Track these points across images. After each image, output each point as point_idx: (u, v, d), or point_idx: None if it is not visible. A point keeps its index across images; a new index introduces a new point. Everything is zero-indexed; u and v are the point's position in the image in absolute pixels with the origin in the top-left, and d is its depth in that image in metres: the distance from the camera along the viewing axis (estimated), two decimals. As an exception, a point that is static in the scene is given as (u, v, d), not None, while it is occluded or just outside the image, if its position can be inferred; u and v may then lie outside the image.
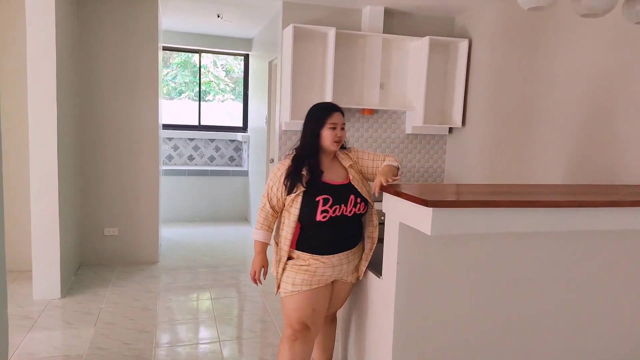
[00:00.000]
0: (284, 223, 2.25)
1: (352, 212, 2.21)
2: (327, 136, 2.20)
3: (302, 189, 2.17)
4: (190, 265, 4.71)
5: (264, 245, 2.34)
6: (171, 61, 8.48)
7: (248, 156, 6.89)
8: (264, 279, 2.35)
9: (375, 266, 2.30)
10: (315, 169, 2.20)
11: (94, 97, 4.42)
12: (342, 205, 2.19)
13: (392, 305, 2.07)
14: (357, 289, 2.45)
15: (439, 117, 4.83)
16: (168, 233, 5.90)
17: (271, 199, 2.26)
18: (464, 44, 4.56)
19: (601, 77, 3.14)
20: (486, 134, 4.34)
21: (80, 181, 4.44)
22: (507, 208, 1.86)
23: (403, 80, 4.75)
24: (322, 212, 2.16)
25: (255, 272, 2.31)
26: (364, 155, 2.35)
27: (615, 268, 2.32)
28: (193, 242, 5.62)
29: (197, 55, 7.21)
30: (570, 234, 2.20)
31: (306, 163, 2.20)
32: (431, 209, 1.76)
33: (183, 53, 7.38)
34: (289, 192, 2.19)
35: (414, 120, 4.68)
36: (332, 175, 2.25)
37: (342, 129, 2.24)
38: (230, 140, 7.27)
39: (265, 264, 2.33)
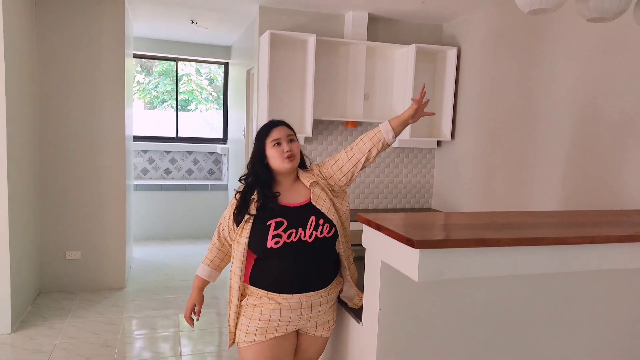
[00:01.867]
0: (234, 256, 1.93)
1: (313, 236, 1.86)
2: (273, 155, 1.91)
3: (252, 214, 1.86)
4: (160, 291, 4.36)
5: (202, 282, 2.06)
6: (153, 69, 8.17)
7: (228, 169, 6.56)
8: (197, 320, 2.08)
9: (355, 309, 1.99)
10: (267, 194, 1.89)
11: (54, 107, 4.07)
12: (300, 229, 1.85)
13: (373, 356, 1.76)
14: (336, 334, 2.14)
15: (427, 129, 4.55)
16: (140, 253, 5.53)
17: (223, 229, 1.98)
18: (452, 53, 4.29)
19: (604, 87, 2.88)
20: (477, 147, 4.07)
21: (39, 200, 4.07)
22: (509, 247, 1.57)
23: (388, 91, 4.47)
24: (274, 237, 1.83)
25: (186, 310, 2.07)
26: (325, 163, 2.03)
27: (631, 310, 2.03)
28: (166, 263, 5.26)
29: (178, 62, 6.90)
30: (580, 273, 1.91)
31: (256, 190, 1.90)
32: (418, 250, 1.46)
33: (165, 61, 7.06)
34: (238, 224, 1.89)
35: (401, 133, 4.39)
36: (291, 197, 1.94)
37: (291, 141, 1.93)
38: (209, 152, 6.94)
39: (197, 302, 2.06)
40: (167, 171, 6.78)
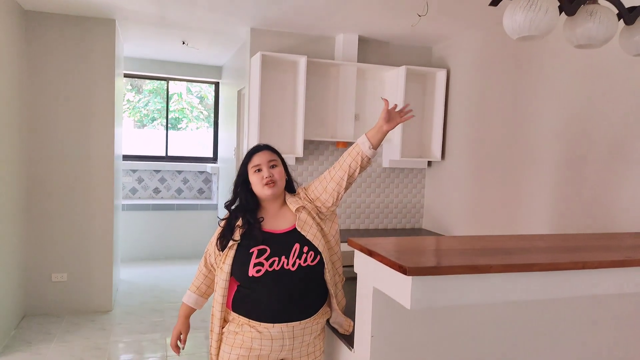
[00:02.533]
0: (216, 284, 1.90)
1: (297, 264, 1.81)
2: (254, 182, 1.89)
3: (236, 240, 1.84)
4: (147, 314, 4.28)
5: (188, 310, 2.04)
6: (143, 87, 8.16)
7: (218, 188, 6.53)
8: (182, 348, 2.05)
9: (347, 335, 1.96)
10: (250, 221, 1.86)
11: (42, 126, 4.04)
12: (283, 257, 1.81)
13: (366, 384, 1.73)
14: (326, 360, 2.10)
15: (417, 150, 4.58)
16: (128, 275, 5.44)
17: (209, 255, 1.96)
18: (441, 74, 4.34)
19: (594, 109, 2.91)
20: (467, 167, 4.09)
21: (24, 220, 4.00)
22: (500, 273, 1.56)
23: (379, 111, 4.48)
24: (255, 265, 1.79)
25: (172, 338, 2.03)
26: (311, 185, 1.98)
27: (624, 335, 2.03)
28: (155, 284, 5.18)
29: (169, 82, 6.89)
30: (575, 297, 1.91)
31: (240, 216, 1.89)
32: (410, 277, 1.45)
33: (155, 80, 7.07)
34: (222, 249, 1.87)
35: (391, 154, 4.41)
36: (276, 223, 1.90)
37: (273, 166, 1.90)
38: (199, 171, 6.90)
39: (183, 330, 2.03)
40: (157, 190, 6.72)
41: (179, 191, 6.83)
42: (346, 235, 4.13)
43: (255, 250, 1.81)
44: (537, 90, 3.32)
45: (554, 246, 1.98)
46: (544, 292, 1.64)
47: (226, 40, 4.82)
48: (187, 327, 2.05)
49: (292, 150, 4.14)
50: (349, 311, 1.99)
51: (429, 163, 4.65)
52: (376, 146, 1.89)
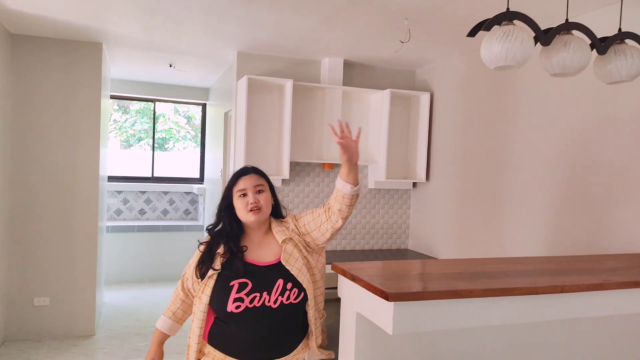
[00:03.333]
0: (194, 314, 1.82)
1: (279, 301, 1.74)
2: (238, 207, 1.83)
3: (216, 270, 1.77)
4: (131, 338, 4.21)
5: (162, 336, 1.93)
6: (130, 108, 8.16)
7: (204, 209, 6.50)
8: None
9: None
10: (232, 249, 1.79)
11: (26, 148, 4.01)
12: (265, 292, 1.73)
13: (350, 410, 1.73)
14: (310, 385, 2.09)
15: (403, 171, 4.63)
16: (111, 298, 5.36)
17: (187, 279, 1.88)
18: (425, 97, 4.41)
19: (574, 135, 2.98)
20: (452, 188, 4.14)
21: (7, 243, 3.94)
22: (481, 298, 1.58)
23: (364, 133, 4.54)
24: (235, 300, 1.72)
25: None
26: (302, 217, 1.91)
27: (605, 356, 2.05)
28: (139, 307, 5.11)
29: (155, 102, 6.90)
30: (555, 321, 1.93)
31: (222, 242, 1.82)
32: (392, 303, 1.46)
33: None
34: (202, 277, 1.80)
35: (377, 175, 4.45)
36: (260, 253, 1.83)
37: (260, 192, 1.84)
38: (185, 192, 6.87)
39: (157, 358, 1.92)
40: (142, 212, 6.67)
41: (165, 212, 6.79)
42: (332, 257, 4.13)
43: (235, 283, 1.74)
44: (520, 113, 3.40)
45: (534, 269, 2.01)
46: (524, 316, 1.67)
47: (213, 63, 4.86)
48: (161, 355, 1.95)
49: (279, 171, 4.16)
50: (334, 334, 1.99)
51: (414, 184, 4.69)
52: (355, 182, 1.83)
